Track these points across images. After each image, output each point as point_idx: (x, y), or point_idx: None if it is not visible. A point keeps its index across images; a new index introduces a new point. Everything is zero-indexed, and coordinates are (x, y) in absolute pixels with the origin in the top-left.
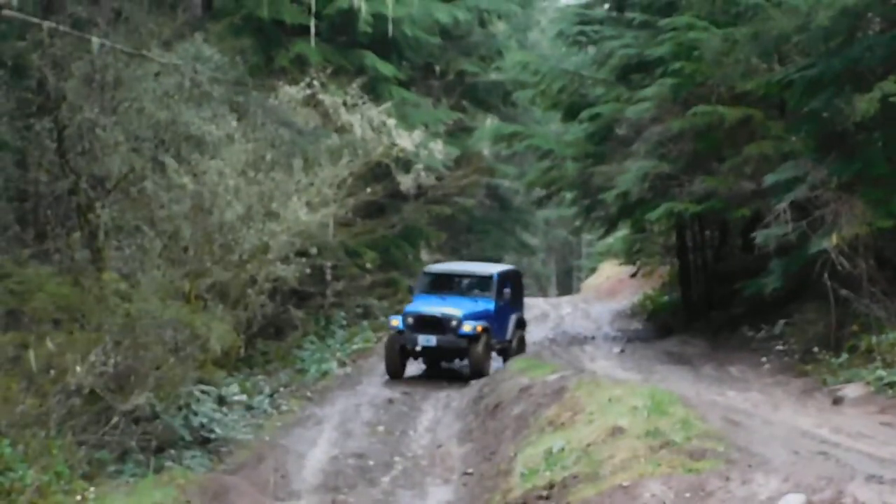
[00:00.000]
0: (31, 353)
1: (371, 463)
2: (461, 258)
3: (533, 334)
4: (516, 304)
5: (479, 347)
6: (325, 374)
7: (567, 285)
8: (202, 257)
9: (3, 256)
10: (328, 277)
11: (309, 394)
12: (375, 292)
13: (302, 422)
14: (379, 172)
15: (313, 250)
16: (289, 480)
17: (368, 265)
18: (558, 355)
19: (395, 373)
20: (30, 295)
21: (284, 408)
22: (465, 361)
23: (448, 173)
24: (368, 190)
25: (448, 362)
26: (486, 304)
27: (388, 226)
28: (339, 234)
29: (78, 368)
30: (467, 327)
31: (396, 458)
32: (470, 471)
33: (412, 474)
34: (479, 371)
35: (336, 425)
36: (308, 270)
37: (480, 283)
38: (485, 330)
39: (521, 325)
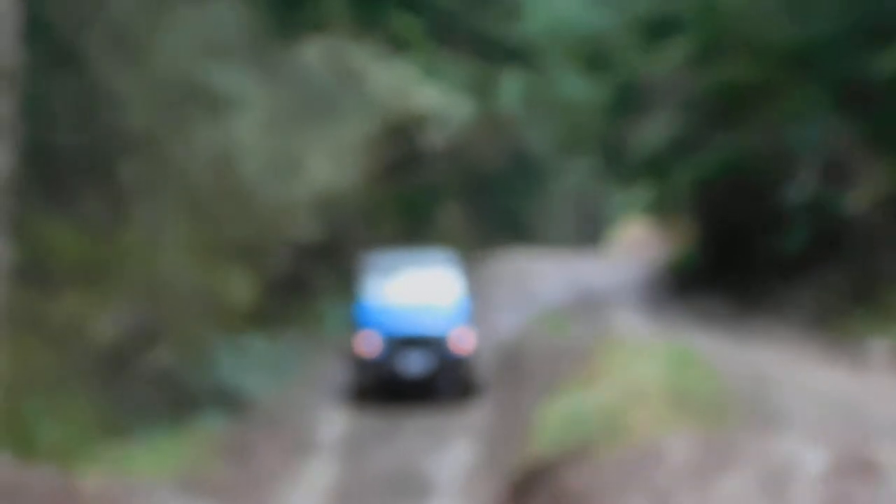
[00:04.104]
0: (52, 309)
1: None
2: (482, 219)
3: (558, 288)
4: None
5: (472, 361)
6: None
7: (591, 241)
8: (224, 214)
9: (24, 212)
10: (351, 233)
11: (331, 347)
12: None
13: (323, 374)
14: (401, 129)
15: (335, 207)
16: (311, 431)
17: (390, 222)
18: (583, 310)
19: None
20: (50, 251)
21: (306, 361)
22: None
23: (471, 129)
24: (391, 146)
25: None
26: (462, 302)
27: (411, 182)
28: (363, 190)
29: (99, 325)
30: (465, 346)
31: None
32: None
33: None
34: (466, 385)
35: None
36: (330, 227)
37: (445, 275)
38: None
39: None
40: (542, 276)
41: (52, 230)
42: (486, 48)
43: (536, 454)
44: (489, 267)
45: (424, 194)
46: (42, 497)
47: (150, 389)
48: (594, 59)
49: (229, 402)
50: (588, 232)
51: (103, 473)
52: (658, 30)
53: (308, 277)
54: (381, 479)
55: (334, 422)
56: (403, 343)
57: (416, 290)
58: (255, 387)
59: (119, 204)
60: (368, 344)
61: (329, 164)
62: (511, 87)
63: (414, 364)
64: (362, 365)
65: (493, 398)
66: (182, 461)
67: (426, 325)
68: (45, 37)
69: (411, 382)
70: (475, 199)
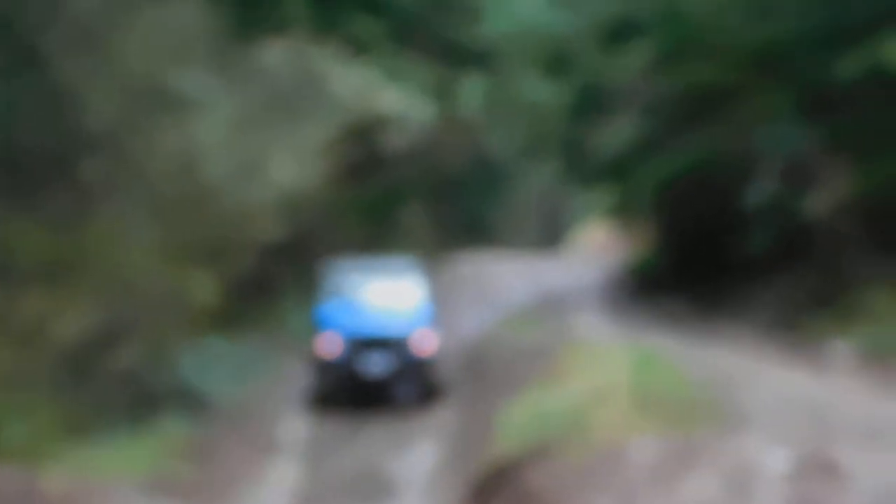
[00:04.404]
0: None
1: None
2: (446, 221)
3: (522, 291)
4: None
5: (434, 364)
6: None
7: (554, 243)
8: (188, 214)
9: None
10: (314, 235)
11: (294, 349)
12: (360, 249)
13: (286, 376)
14: (363, 132)
15: (299, 208)
16: (275, 433)
17: (353, 224)
18: (547, 312)
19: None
20: (14, 249)
21: (269, 363)
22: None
23: (432, 132)
24: (353, 149)
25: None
26: (425, 305)
27: (373, 184)
28: (325, 193)
29: (63, 324)
30: (427, 348)
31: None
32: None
33: (397, 427)
34: (428, 386)
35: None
36: (294, 228)
37: (408, 281)
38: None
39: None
40: (506, 278)
41: (16, 228)
42: (447, 51)
43: (500, 454)
44: (452, 269)
45: (387, 197)
46: (6, 498)
47: (114, 389)
48: (556, 61)
49: (192, 403)
50: (551, 234)
51: (67, 473)
52: (620, 32)
53: (272, 279)
54: (345, 480)
55: (297, 423)
56: (365, 344)
57: (378, 293)
58: (219, 388)
59: (83, 203)
60: (329, 345)
61: (292, 165)
62: (473, 89)
63: (375, 365)
64: (323, 366)
65: (457, 399)
66: (145, 461)
67: (388, 327)
68: (6, 36)
69: (372, 383)
70: (438, 202)
